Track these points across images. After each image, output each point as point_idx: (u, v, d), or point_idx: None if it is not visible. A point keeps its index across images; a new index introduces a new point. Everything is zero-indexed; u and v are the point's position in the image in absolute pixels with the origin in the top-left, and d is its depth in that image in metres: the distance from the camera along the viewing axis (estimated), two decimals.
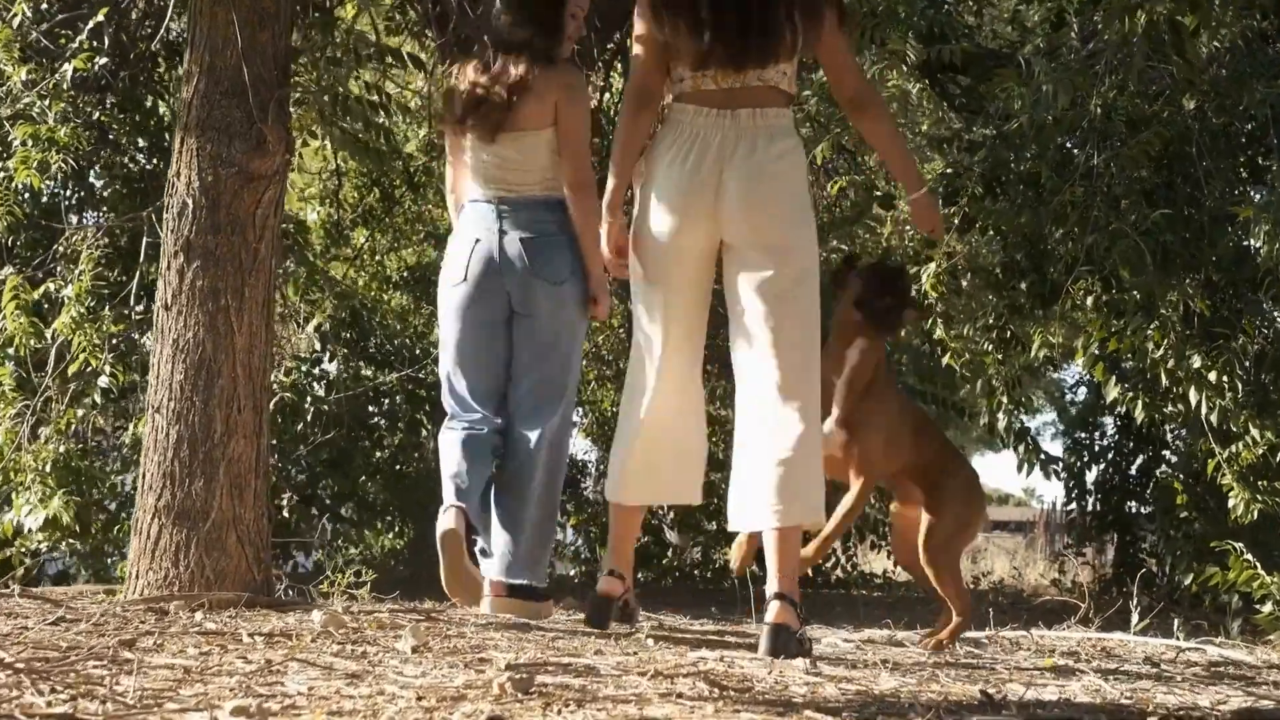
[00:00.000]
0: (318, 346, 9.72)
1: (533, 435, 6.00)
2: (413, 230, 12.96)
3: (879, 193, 9.12)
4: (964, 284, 8.73)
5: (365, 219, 12.32)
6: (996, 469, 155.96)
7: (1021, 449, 8.85)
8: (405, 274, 12.98)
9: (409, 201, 12.59)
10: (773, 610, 4.98)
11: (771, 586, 5.03)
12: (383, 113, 7.56)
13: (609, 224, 5.43)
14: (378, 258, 12.83)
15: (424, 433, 11.01)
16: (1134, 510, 12.66)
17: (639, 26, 5.36)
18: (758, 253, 5.13)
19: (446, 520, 5.69)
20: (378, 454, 10.11)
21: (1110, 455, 12.63)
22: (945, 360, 8.74)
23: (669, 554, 13.49)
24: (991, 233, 8.67)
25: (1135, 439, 12.50)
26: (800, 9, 5.21)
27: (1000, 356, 8.78)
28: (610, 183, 5.40)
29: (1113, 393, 8.21)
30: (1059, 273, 8.35)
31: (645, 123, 5.36)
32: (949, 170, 8.58)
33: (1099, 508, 12.71)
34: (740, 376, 5.26)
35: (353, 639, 4.72)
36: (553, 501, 6.16)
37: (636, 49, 5.39)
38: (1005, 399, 8.78)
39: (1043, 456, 8.89)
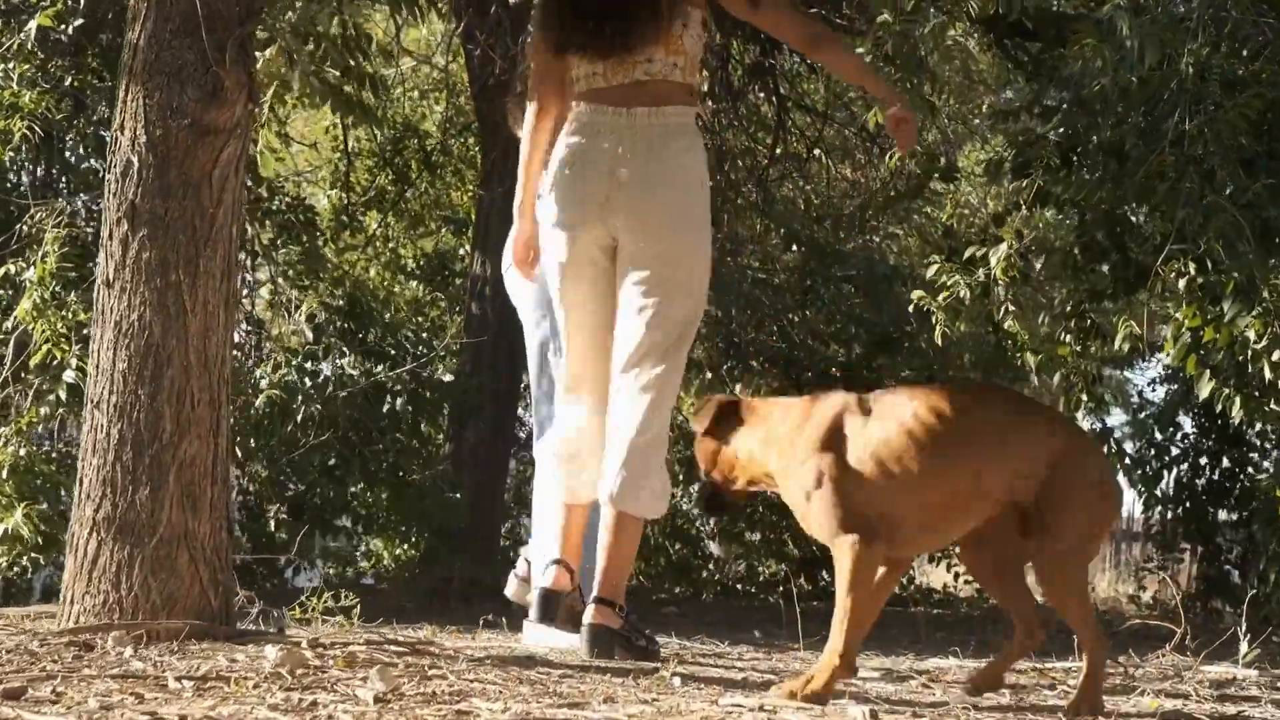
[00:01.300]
0: (309, 337, 8.92)
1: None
2: (430, 216, 12.22)
3: (937, 165, 8.27)
4: (1037, 267, 8.02)
5: (377, 202, 11.56)
6: None
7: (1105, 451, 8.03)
8: (421, 262, 12.24)
9: (425, 184, 11.78)
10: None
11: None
12: (367, 58, 6.69)
13: (517, 226, 5.70)
14: (391, 245, 12.01)
15: (434, 437, 10.24)
16: (1218, 518, 11.75)
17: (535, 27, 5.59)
18: (641, 253, 5.31)
19: None
20: (385, 460, 9.27)
21: (1189, 458, 11.73)
22: (1019, 357, 7.94)
23: (710, 567, 12.67)
24: (1068, 209, 7.89)
25: (1218, 440, 11.61)
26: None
27: (1078, 348, 7.97)
28: (519, 186, 5.67)
29: (1206, 388, 7.38)
30: (1145, 253, 7.56)
31: (545, 125, 5.55)
32: (1020, 139, 7.78)
33: (1180, 516, 11.80)
34: (614, 368, 5.43)
35: (307, 683, 3.91)
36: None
37: (534, 47, 5.65)
38: (1084, 396, 7.97)
39: (1126, 460, 8.06)
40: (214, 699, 3.61)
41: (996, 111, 9.63)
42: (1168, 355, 7.52)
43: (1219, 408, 7.45)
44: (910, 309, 7.95)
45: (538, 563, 5.95)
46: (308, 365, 9.00)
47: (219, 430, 5.10)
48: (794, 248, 11.94)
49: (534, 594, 5.70)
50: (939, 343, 7.57)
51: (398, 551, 10.83)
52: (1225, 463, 11.70)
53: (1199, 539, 11.73)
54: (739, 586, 12.61)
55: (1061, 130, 7.65)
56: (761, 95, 11.38)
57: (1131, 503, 14.00)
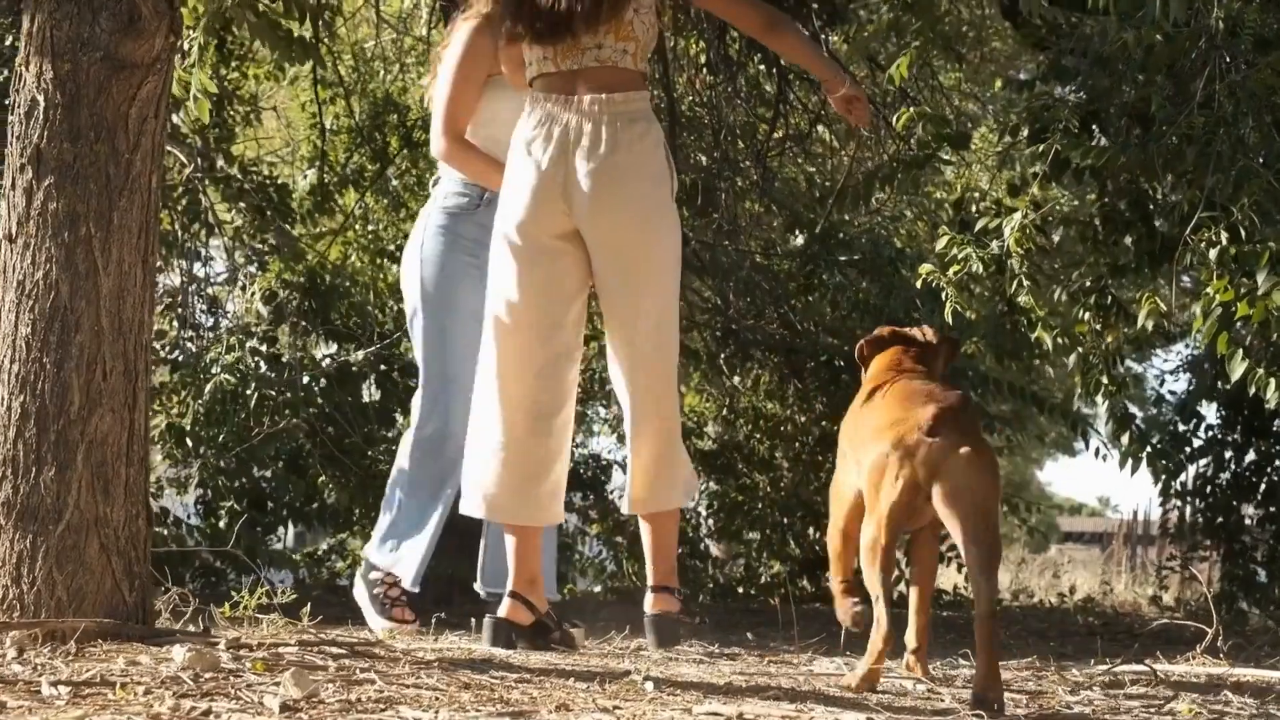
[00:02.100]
0: (262, 312, 8.40)
1: None
2: (414, 197, 11.68)
3: (948, 131, 7.72)
4: (1055, 240, 7.51)
5: (354, 181, 11.03)
6: (1069, 476, 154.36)
7: (1126, 440, 7.46)
8: (401, 245, 11.52)
9: (406, 162, 11.42)
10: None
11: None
12: None
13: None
14: (371, 227, 11.59)
15: (399, 424, 9.69)
16: (1242, 514, 11.18)
17: None
18: (609, 252, 5.35)
19: None
20: (352, 450, 8.73)
21: (1213, 451, 11.16)
22: (1035, 335, 7.40)
23: (709, 568, 12.12)
24: (1089, 177, 7.35)
25: (1245, 431, 11.06)
26: None
27: (1099, 327, 7.44)
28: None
29: (1239, 369, 6.83)
30: (1172, 224, 7.04)
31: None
32: (1035, 103, 7.26)
33: (1203, 512, 11.23)
34: (611, 373, 5.56)
35: (208, 689, 3.37)
36: None
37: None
38: (1106, 379, 7.43)
39: (1149, 449, 7.49)
40: (90, 707, 3.08)
41: (1010, 83, 9.15)
42: (1197, 333, 6.96)
43: (1251, 390, 6.90)
44: (919, 285, 7.41)
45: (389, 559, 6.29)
46: (264, 348, 8.50)
47: (135, 404, 4.56)
48: (796, 231, 11.42)
49: (486, 621, 5.57)
50: (949, 322, 7.03)
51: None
52: (1251, 455, 11.13)
53: (1224, 536, 11.16)
54: (739, 589, 12.07)
55: (1081, 92, 7.17)
56: (761, 67, 10.86)
57: (1148, 501, 13.48)
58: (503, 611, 5.49)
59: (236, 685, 3.51)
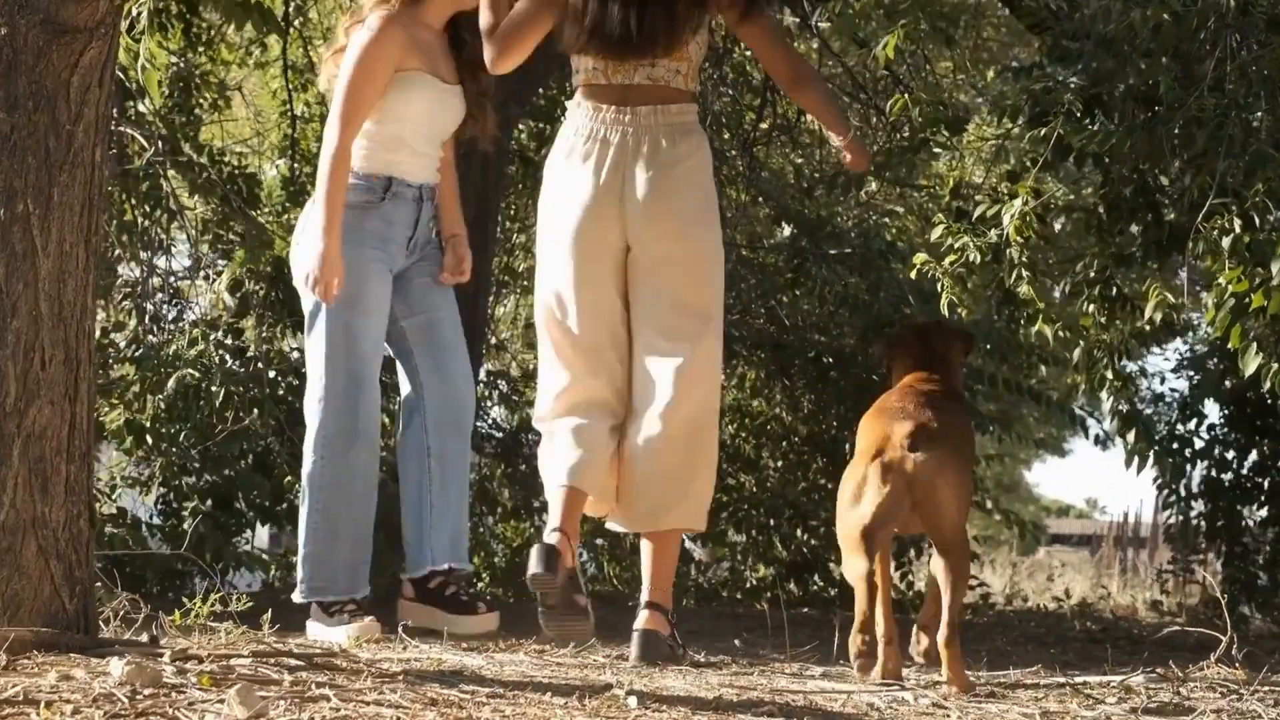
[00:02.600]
0: (227, 302, 8.07)
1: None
2: None
3: (944, 113, 7.42)
4: (1057, 228, 7.26)
5: None
6: (1057, 477, 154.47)
7: (1132, 437, 7.17)
8: None
9: None
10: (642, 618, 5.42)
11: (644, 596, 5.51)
12: None
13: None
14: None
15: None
16: (1244, 517, 10.86)
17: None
18: (660, 258, 5.43)
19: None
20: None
21: (1215, 451, 10.84)
22: (1035, 328, 7.12)
23: (692, 571, 11.79)
24: (1091, 164, 7.10)
25: (1248, 431, 10.74)
26: (687, 4, 5.38)
27: (1103, 319, 7.17)
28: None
29: (1252, 363, 6.53)
30: (1180, 212, 6.75)
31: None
32: (1035, 86, 6.97)
33: (1205, 514, 10.91)
34: (637, 387, 5.52)
35: (144, 707, 3.06)
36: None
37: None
38: (1110, 374, 7.15)
39: (1157, 446, 7.21)
40: None
41: (1006, 69, 8.87)
42: (1208, 326, 6.67)
43: (1266, 386, 6.61)
44: (913, 276, 7.11)
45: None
46: (229, 340, 8.17)
47: (77, 395, 4.24)
48: (783, 223, 11.12)
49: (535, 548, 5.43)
50: (945, 315, 6.74)
51: None
52: (1253, 456, 10.82)
53: (1225, 539, 10.84)
54: (724, 593, 11.75)
55: (1084, 73, 6.84)
56: (748, 54, 10.54)
57: (1139, 503, 13.20)
58: (551, 539, 5.38)
59: (177, 703, 3.20)
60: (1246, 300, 6.44)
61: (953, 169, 11.38)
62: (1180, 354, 11.17)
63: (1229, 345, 6.58)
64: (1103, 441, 10.19)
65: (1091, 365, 7.20)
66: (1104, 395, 7.18)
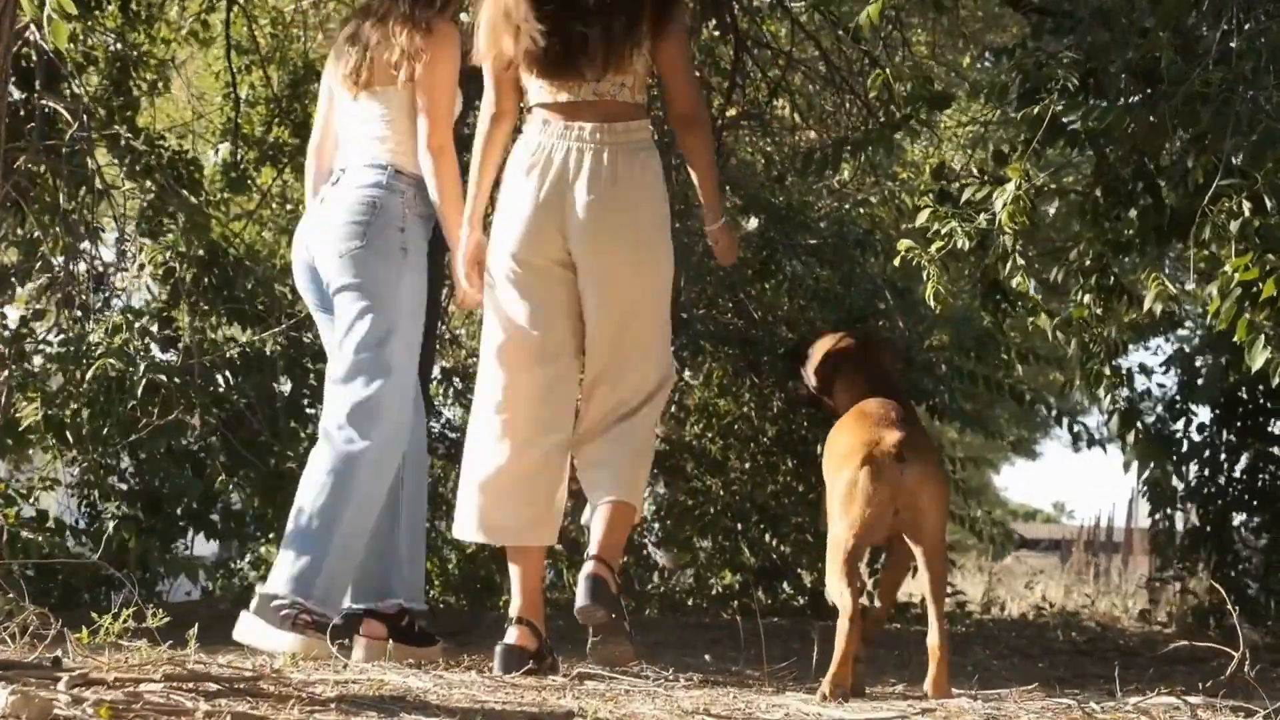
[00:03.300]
0: (152, 292, 7.62)
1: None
2: None
3: (929, 89, 7.00)
4: (1050, 213, 6.92)
5: (271, 157, 10.28)
6: (1026, 480, 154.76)
7: (1131, 437, 6.75)
8: None
9: None
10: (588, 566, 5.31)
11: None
12: None
13: (468, 237, 5.67)
14: (290, 206, 10.86)
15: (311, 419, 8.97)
16: (1234, 524, 10.44)
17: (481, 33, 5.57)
18: (603, 279, 5.45)
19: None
20: (257, 446, 7.95)
21: (1205, 454, 10.42)
22: (1030, 321, 6.74)
23: (655, 578, 11.37)
24: (1086, 145, 6.69)
25: (1239, 433, 10.34)
26: (624, 20, 5.42)
27: (1099, 311, 6.79)
28: (470, 195, 5.69)
29: (1260, 357, 6.13)
30: (1182, 195, 6.37)
31: (499, 134, 5.62)
32: (1026, 60, 6.59)
33: (1194, 520, 10.50)
34: (586, 394, 5.60)
35: None
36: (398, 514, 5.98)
37: (485, 58, 5.59)
38: (1108, 370, 6.76)
39: (1157, 444, 6.81)
40: None
41: (987, 50, 8.49)
42: (1212, 317, 6.25)
43: (1275, 381, 6.22)
44: (896, 264, 6.69)
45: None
46: (155, 329, 7.71)
47: None
48: (752, 214, 10.70)
49: (497, 650, 5.45)
50: (931, 303, 6.35)
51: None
52: (1244, 460, 10.42)
53: (1214, 546, 10.43)
54: (689, 601, 11.31)
55: (1080, 47, 6.49)
56: (717, 33, 10.14)
57: (1111, 507, 12.78)
58: (511, 638, 5.44)
59: None
60: (1255, 289, 6.06)
61: (929, 157, 11.05)
62: (1166, 350, 10.79)
63: (1235, 338, 6.18)
64: (1090, 442, 9.75)
65: (1087, 360, 6.80)
66: (1101, 392, 6.79)
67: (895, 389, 5.65)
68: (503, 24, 5.47)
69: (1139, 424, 6.81)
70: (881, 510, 4.96)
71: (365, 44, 6.00)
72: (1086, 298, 6.79)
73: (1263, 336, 6.14)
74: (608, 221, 5.42)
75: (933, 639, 5.01)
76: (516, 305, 5.52)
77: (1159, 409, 10.53)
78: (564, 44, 5.43)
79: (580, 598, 5.25)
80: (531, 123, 5.56)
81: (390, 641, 5.70)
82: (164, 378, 7.21)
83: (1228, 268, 6.10)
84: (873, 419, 5.18)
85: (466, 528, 5.64)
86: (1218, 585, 9.90)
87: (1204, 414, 10.53)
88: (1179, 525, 10.69)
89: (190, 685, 3.58)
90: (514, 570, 5.59)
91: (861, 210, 11.57)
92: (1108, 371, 6.80)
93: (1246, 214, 5.98)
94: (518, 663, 5.33)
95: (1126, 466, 7.17)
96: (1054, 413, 10.22)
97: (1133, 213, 6.71)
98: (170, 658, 4.26)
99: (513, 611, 5.52)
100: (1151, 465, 6.84)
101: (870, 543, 5.18)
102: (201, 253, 7.98)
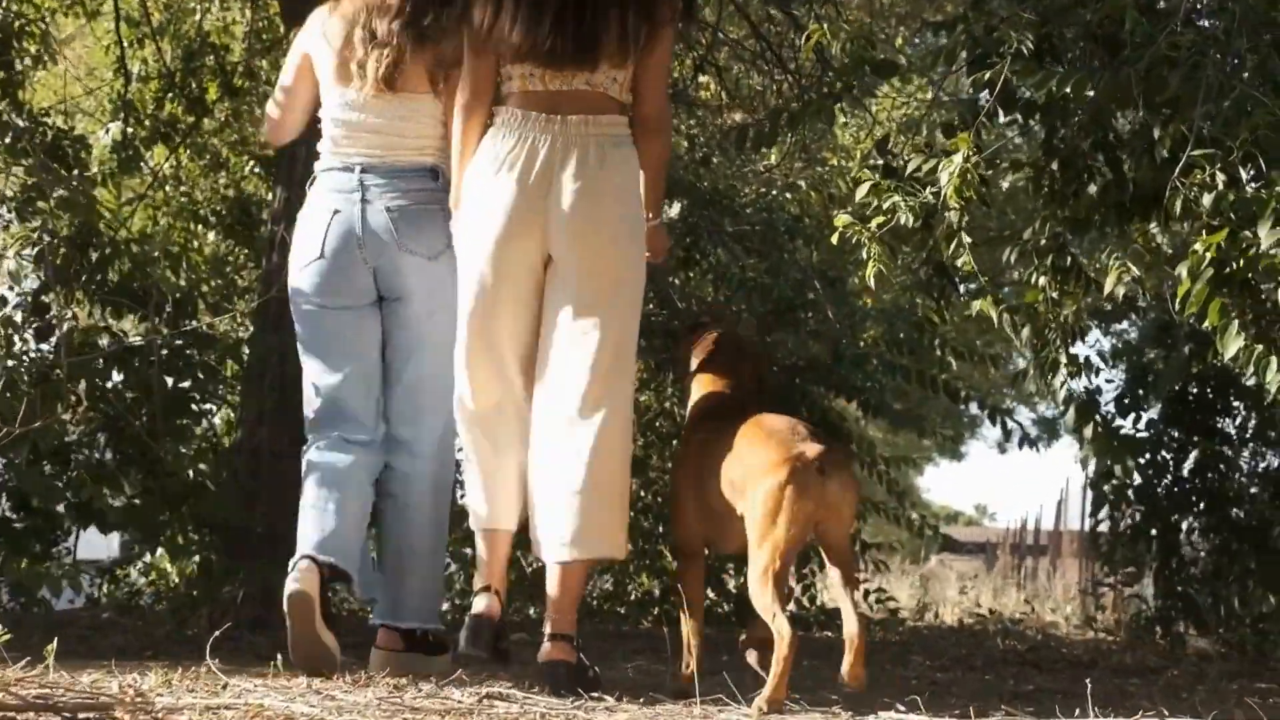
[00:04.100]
0: (13, 269, 7.10)
1: (415, 445, 5.88)
2: (234, 152, 10.72)
3: (872, 55, 6.53)
4: (1003, 187, 6.41)
5: (164, 135, 9.80)
6: (948, 482, 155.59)
7: (1090, 431, 6.30)
8: (220, 208, 10.48)
9: (227, 112, 10.42)
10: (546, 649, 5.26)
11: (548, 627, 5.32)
12: None
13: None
14: (183, 187, 10.50)
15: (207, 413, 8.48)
16: (1180, 526, 10.00)
17: (471, 16, 5.50)
18: (580, 270, 5.37)
19: (296, 579, 5.46)
20: (137, 443, 7.42)
21: (1151, 453, 9.95)
22: (977, 306, 6.30)
23: None
24: (1040, 115, 6.29)
25: (1187, 429, 9.90)
26: (636, 13, 5.34)
27: (1055, 294, 6.42)
28: (455, 182, 5.62)
29: (1233, 345, 5.70)
30: (1149, 167, 5.93)
31: (477, 123, 5.54)
32: (976, 24, 6.16)
33: (1137, 522, 10.04)
34: (542, 396, 5.48)
35: None
36: (442, 525, 5.97)
37: (466, 42, 5.54)
38: (1064, 358, 6.32)
39: (1119, 439, 6.37)
40: None
41: (927, 25, 8.03)
42: (1179, 301, 5.78)
43: (1250, 373, 5.77)
44: (835, 240, 6.26)
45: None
46: (17, 316, 7.19)
47: None
48: (674, 199, 10.23)
49: (466, 620, 5.46)
50: (871, 285, 5.93)
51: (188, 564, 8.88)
52: (1191, 459, 9.98)
53: (1161, 550, 9.98)
54: (605, 606, 10.92)
55: (1031, 11, 6.05)
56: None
57: (1039, 509, 12.40)
58: (479, 607, 5.43)
59: None
60: (1229, 270, 5.62)
61: (861, 143, 10.62)
62: (1105, 343, 10.36)
63: (1205, 324, 5.73)
64: (1024, 440, 9.34)
65: (1042, 348, 6.35)
66: (1056, 383, 6.35)
67: (751, 393, 5.74)
68: (509, 8, 5.39)
69: (1097, 417, 6.36)
70: (807, 524, 4.94)
71: (396, 46, 5.87)
72: (1041, 280, 6.39)
73: (1236, 323, 5.70)
74: (592, 212, 5.37)
75: (850, 628, 4.88)
76: (491, 298, 5.46)
77: (1109, 405, 10.05)
78: (574, 30, 5.35)
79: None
80: (506, 114, 5.48)
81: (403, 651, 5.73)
82: (26, 369, 6.67)
83: (1198, 246, 5.66)
84: (785, 433, 5.13)
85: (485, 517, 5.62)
86: (1165, 591, 9.54)
87: (1150, 411, 10.09)
88: (1122, 527, 10.20)
89: (29, 711, 3.03)
90: (483, 548, 5.56)
91: (790, 196, 11.24)
92: (1064, 360, 6.36)
93: (1220, 186, 5.54)
94: (486, 635, 5.37)
95: (1085, 462, 6.76)
96: (987, 410, 9.80)
97: (1092, 188, 6.28)
98: (19, 679, 3.72)
99: (478, 582, 5.52)
100: (1110, 461, 6.35)
101: (794, 557, 5.12)
102: (73, 233, 7.45)
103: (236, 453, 8.16)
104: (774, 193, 11.14)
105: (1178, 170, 5.57)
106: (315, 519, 5.67)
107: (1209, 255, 5.62)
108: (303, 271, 5.88)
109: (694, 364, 5.92)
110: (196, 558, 8.47)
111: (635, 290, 5.54)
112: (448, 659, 5.75)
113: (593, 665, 5.43)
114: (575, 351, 5.40)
